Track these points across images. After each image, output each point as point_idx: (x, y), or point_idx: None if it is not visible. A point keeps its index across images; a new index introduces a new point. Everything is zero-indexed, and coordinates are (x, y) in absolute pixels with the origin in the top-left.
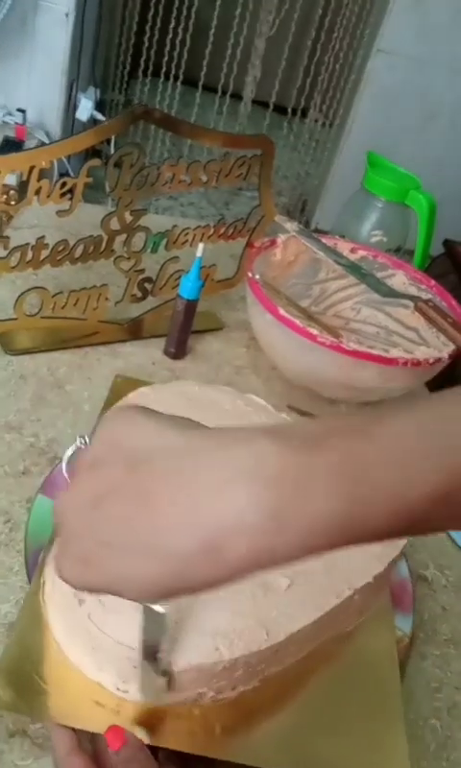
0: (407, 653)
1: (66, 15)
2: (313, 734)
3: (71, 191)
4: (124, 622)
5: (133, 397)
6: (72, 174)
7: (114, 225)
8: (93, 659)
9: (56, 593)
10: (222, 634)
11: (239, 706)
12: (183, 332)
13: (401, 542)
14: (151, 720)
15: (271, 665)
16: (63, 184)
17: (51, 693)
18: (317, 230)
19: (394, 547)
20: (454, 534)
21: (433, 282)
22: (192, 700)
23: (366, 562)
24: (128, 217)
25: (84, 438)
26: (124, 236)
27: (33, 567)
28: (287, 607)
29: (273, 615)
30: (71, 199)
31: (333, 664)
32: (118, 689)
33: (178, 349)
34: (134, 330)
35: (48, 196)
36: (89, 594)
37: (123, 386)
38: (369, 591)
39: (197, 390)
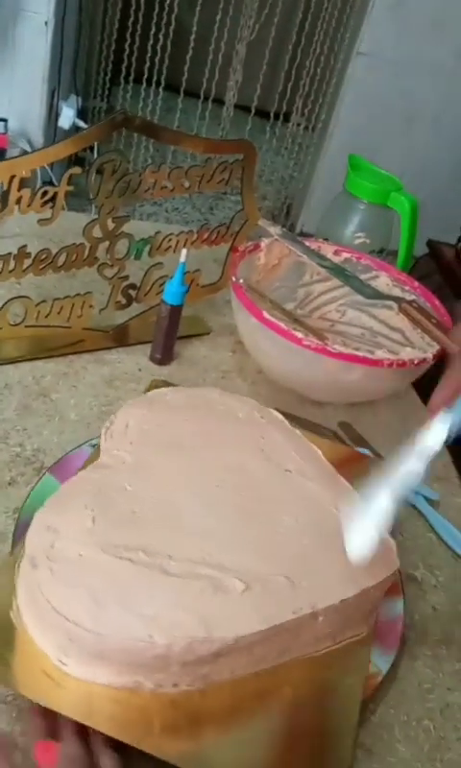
0: (377, 690)
1: (45, 24)
2: (255, 754)
3: (54, 199)
4: (70, 596)
5: (153, 395)
6: (56, 182)
7: (97, 232)
8: (39, 626)
9: (22, 559)
10: (158, 620)
11: (183, 707)
12: (169, 338)
13: (384, 574)
14: (90, 700)
15: (216, 670)
16: (45, 193)
17: (13, 660)
18: (302, 234)
19: (371, 576)
20: (444, 534)
21: (417, 283)
22: (130, 687)
23: (338, 584)
24: (110, 224)
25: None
26: (107, 243)
27: None
28: (235, 610)
29: (217, 615)
30: (53, 207)
31: (295, 689)
32: (60, 661)
33: (164, 355)
34: (120, 337)
35: (29, 205)
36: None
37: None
38: (337, 617)
39: (217, 397)
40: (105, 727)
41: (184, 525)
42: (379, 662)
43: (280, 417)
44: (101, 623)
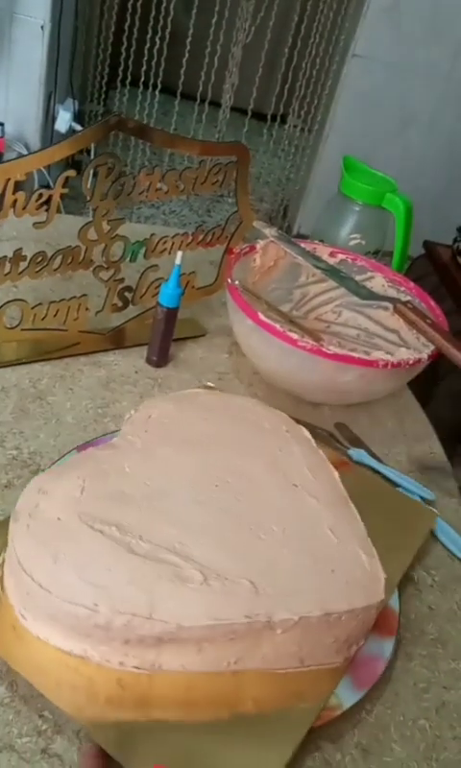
0: (335, 721)
1: (42, 28)
2: (185, 747)
3: (49, 202)
4: (35, 552)
5: (186, 393)
6: (53, 186)
7: (92, 235)
8: (9, 579)
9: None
10: (107, 592)
11: (129, 688)
12: (165, 340)
13: (359, 603)
14: (43, 660)
15: (164, 660)
16: (40, 196)
17: None
18: (299, 235)
19: (342, 602)
20: (440, 534)
21: (412, 284)
22: (78, 655)
23: (302, 601)
24: (105, 227)
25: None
26: (102, 246)
27: None
28: (185, 599)
29: (165, 600)
30: (48, 210)
31: (255, 701)
32: (20, 614)
33: (160, 357)
34: (116, 339)
35: (24, 208)
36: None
37: None
38: (303, 637)
39: (249, 406)
40: (47, 690)
41: (168, 514)
42: (346, 696)
43: (308, 435)
44: (54, 583)
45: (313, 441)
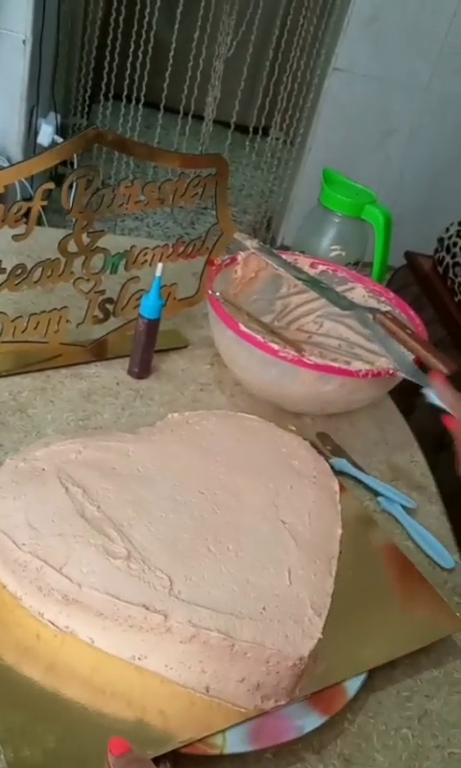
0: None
1: (24, 42)
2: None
3: (29, 215)
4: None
5: (235, 415)
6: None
7: (72, 247)
8: None
9: None
10: (38, 536)
11: (44, 642)
12: (146, 352)
13: (274, 647)
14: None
15: (72, 621)
16: (19, 208)
17: None
18: (282, 247)
19: (250, 634)
20: (422, 543)
21: (392, 294)
22: (15, 595)
23: (209, 619)
24: (85, 239)
25: None
26: (83, 258)
27: None
28: (97, 568)
29: (81, 562)
30: (27, 223)
31: (157, 711)
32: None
33: (141, 369)
34: (98, 351)
35: (3, 220)
36: None
37: None
38: (205, 658)
39: (294, 444)
40: None
41: (137, 499)
42: (309, 723)
43: (336, 487)
44: (3, 514)
45: (338, 494)
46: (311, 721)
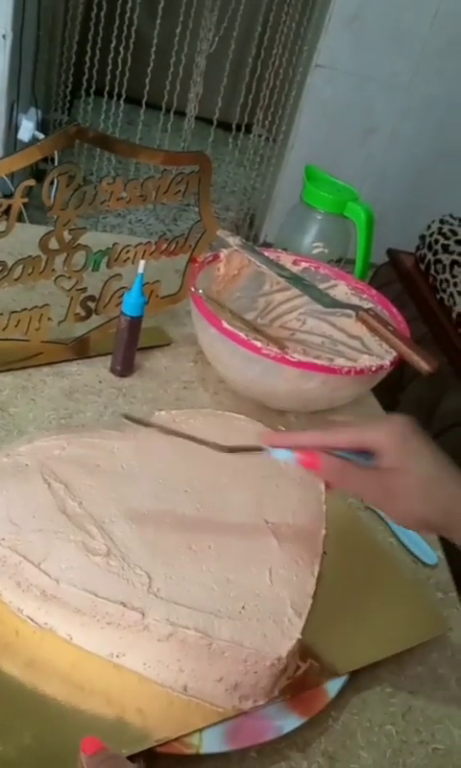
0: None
1: (3, 37)
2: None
3: (9, 212)
4: None
5: (230, 415)
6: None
7: (53, 244)
8: None
9: None
10: (18, 531)
11: (23, 638)
12: (129, 349)
13: (251, 647)
14: None
15: (51, 617)
16: (0, 205)
17: None
18: (265, 244)
19: (228, 633)
20: (405, 539)
21: (374, 291)
22: None
23: (187, 617)
24: (67, 236)
25: None
26: (64, 255)
27: None
28: (76, 564)
29: (61, 558)
30: (8, 220)
31: (135, 710)
32: None
33: (124, 367)
34: (80, 349)
35: None
36: None
37: None
38: (183, 656)
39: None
40: None
41: (120, 496)
42: (288, 725)
43: (322, 487)
44: None
45: (323, 494)
46: (291, 722)
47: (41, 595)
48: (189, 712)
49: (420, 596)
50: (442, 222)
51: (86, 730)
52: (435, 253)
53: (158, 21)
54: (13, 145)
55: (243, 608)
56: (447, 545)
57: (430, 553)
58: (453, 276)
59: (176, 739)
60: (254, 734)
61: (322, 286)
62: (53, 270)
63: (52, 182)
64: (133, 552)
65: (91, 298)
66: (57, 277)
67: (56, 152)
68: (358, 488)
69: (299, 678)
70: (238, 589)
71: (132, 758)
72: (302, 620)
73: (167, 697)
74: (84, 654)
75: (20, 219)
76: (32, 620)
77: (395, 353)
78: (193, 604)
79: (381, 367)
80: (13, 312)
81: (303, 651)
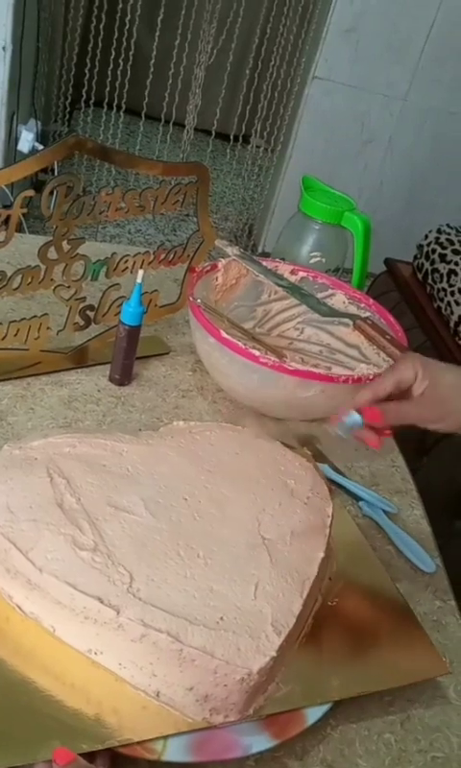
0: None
1: (3, 49)
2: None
3: (8, 222)
4: None
5: (248, 431)
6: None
7: (52, 254)
8: None
9: None
10: (12, 519)
11: (12, 624)
12: (128, 358)
13: (222, 657)
14: None
15: (35, 605)
16: None
17: None
18: (263, 254)
19: (201, 641)
20: (403, 547)
21: (372, 301)
22: None
23: (162, 620)
24: (66, 246)
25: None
26: (63, 265)
27: None
28: (61, 556)
29: (47, 549)
30: (7, 230)
31: (112, 710)
32: None
33: (123, 376)
34: (79, 358)
35: None
36: None
37: None
38: (155, 660)
39: (295, 463)
40: None
41: (120, 496)
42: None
43: (330, 512)
44: None
45: (330, 518)
46: (260, 742)
47: (27, 584)
48: (160, 719)
49: (423, 637)
50: (439, 231)
51: (55, 720)
52: (432, 263)
53: (157, 33)
54: (13, 156)
55: (221, 618)
56: (446, 554)
57: (428, 561)
58: (450, 285)
59: (140, 743)
60: (220, 749)
61: (319, 295)
62: (52, 279)
63: (51, 193)
64: (119, 551)
65: (90, 307)
66: (56, 287)
67: (55, 163)
68: (416, 414)
69: (277, 699)
70: (219, 600)
71: (92, 757)
72: (280, 638)
73: (141, 701)
74: (66, 648)
75: (20, 229)
76: (20, 608)
77: (392, 362)
78: (170, 608)
79: (379, 375)
80: (13, 321)
81: (288, 673)
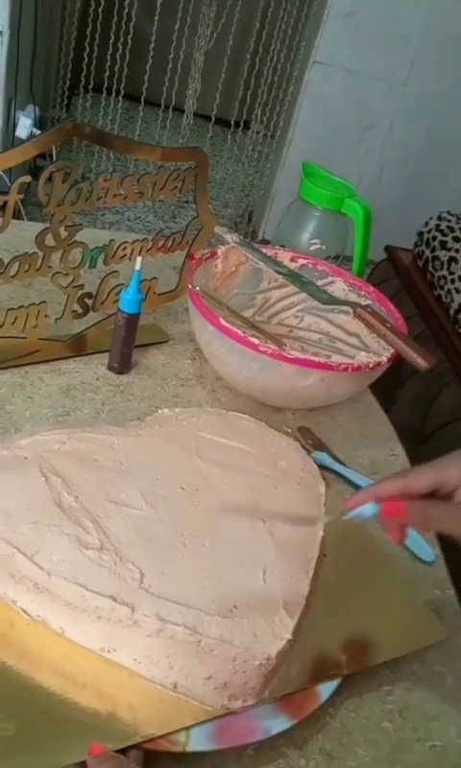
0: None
1: (1, 34)
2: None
3: (4, 209)
4: None
5: (235, 415)
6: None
7: (49, 241)
8: None
9: None
10: (12, 523)
11: (17, 629)
12: (126, 346)
13: (241, 646)
14: None
15: (43, 608)
16: None
17: None
18: (263, 240)
19: (217, 630)
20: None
21: (372, 288)
22: None
23: (178, 613)
24: (63, 233)
25: None
26: (61, 252)
27: None
28: (69, 558)
29: (53, 551)
30: (3, 217)
31: (126, 706)
32: None
33: (121, 364)
34: (77, 346)
35: None
36: None
37: None
38: (173, 652)
39: (284, 444)
40: None
41: (117, 491)
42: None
43: (322, 489)
44: None
45: (323, 496)
46: (279, 723)
47: (34, 588)
48: (179, 710)
49: (418, 601)
50: (439, 219)
51: (75, 722)
52: (433, 250)
53: (157, 18)
54: (12, 143)
55: (234, 606)
56: (444, 543)
57: (428, 550)
58: (451, 273)
59: (162, 736)
60: (242, 734)
61: (319, 283)
62: (49, 267)
63: (49, 179)
64: (125, 547)
65: (88, 295)
66: (53, 275)
67: (54, 149)
68: (451, 520)
69: (290, 679)
70: (230, 588)
71: (124, 753)
72: (293, 621)
73: (157, 694)
74: (76, 647)
75: (18, 216)
76: (25, 612)
77: (392, 350)
78: (183, 600)
79: (379, 364)
80: (10, 309)
81: (296, 652)
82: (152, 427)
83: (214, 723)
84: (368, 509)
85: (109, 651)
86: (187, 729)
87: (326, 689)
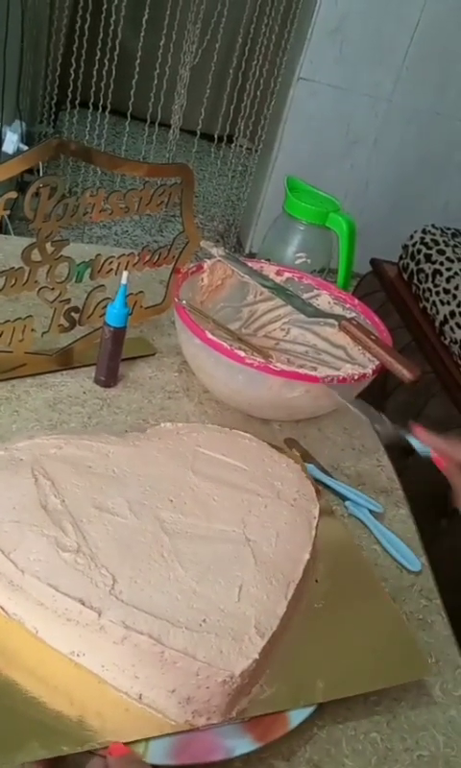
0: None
1: None
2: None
3: None
4: None
5: (237, 433)
6: None
7: (36, 256)
8: None
9: None
10: None
11: None
12: (113, 360)
13: (204, 660)
14: None
15: (19, 607)
16: None
17: None
18: (250, 254)
19: (182, 643)
20: (389, 546)
21: (357, 301)
22: None
23: (143, 622)
24: (49, 248)
25: None
26: (47, 267)
27: None
28: (44, 558)
29: (30, 550)
30: None
31: (95, 713)
32: None
33: (108, 377)
34: (64, 360)
35: None
36: None
37: None
38: (137, 662)
39: (283, 465)
40: None
41: (104, 497)
42: (241, 748)
43: (316, 513)
44: None
45: (316, 519)
46: (243, 744)
47: (10, 585)
48: (143, 721)
49: (409, 638)
50: (424, 232)
51: (36, 723)
52: (418, 263)
53: (143, 34)
54: None
55: (204, 621)
56: (431, 552)
57: (414, 560)
58: (435, 286)
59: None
60: (203, 752)
61: (305, 296)
62: (36, 281)
63: (36, 194)
64: (102, 553)
65: (75, 309)
66: (40, 289)
67: (41, 164)
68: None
69: (261, 701)
70: (202, 602)
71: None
72: (263, 641)
73: (124, 703)
74: (49, 649)
75: (5, 231)
76: (3, 609)
77: (377, 362)
78: (152, 610)
79: (364, 375)
80: None
81: (272, 675)
82: (151, 439)
83: (176, 738)
84: (425, 450)
85: (78, 655)
86: (146, 740)
87: (296, 717)
